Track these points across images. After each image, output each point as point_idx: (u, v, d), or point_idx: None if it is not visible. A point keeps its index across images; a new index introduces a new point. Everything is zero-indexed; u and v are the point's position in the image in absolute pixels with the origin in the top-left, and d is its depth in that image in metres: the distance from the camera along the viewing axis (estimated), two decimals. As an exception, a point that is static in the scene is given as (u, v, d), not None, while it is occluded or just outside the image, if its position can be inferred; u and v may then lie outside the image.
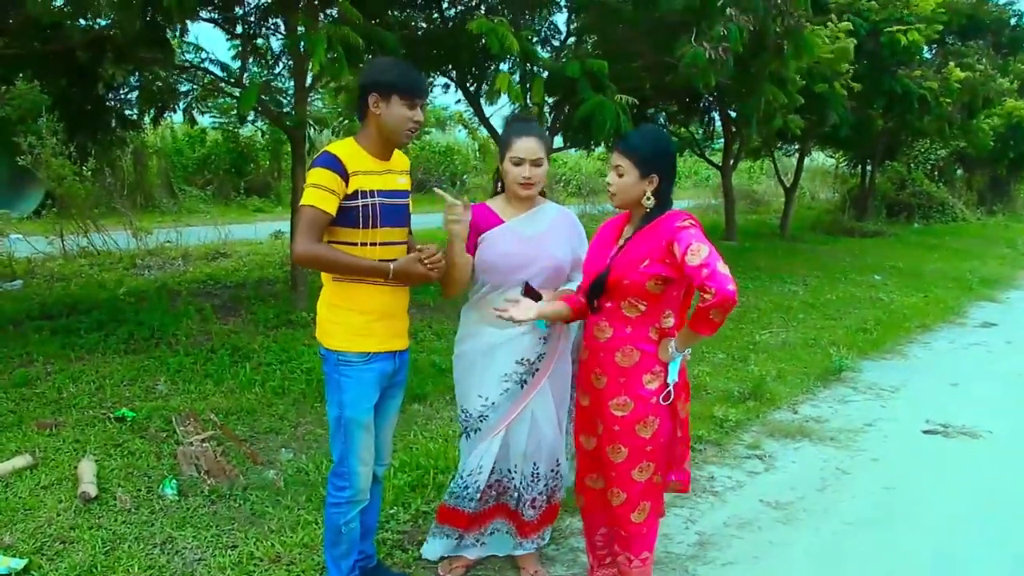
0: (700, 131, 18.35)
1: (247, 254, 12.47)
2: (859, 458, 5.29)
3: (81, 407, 5.51)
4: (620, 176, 2.95)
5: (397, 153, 3.11)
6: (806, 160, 20.45)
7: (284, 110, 8.37)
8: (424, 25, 9.88)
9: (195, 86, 9.71)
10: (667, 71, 9.31)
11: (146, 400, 5.68)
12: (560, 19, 11.06)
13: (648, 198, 2.93)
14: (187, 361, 6.50)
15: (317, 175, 2.84)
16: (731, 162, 16.69)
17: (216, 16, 9.46)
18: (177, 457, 4.75)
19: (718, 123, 16.68)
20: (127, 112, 9.58)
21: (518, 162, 3.26)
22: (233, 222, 15.54)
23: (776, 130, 13.63)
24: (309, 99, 9.38)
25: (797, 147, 19.59)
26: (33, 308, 8.01)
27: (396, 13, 9.38)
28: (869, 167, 22.28)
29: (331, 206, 2.84)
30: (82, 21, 8.34)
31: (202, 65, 9.17)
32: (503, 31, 7.32)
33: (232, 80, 9.15)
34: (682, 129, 17.87)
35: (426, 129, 27.70)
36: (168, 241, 12.32)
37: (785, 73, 9.67)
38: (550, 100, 9.59)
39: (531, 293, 3.18)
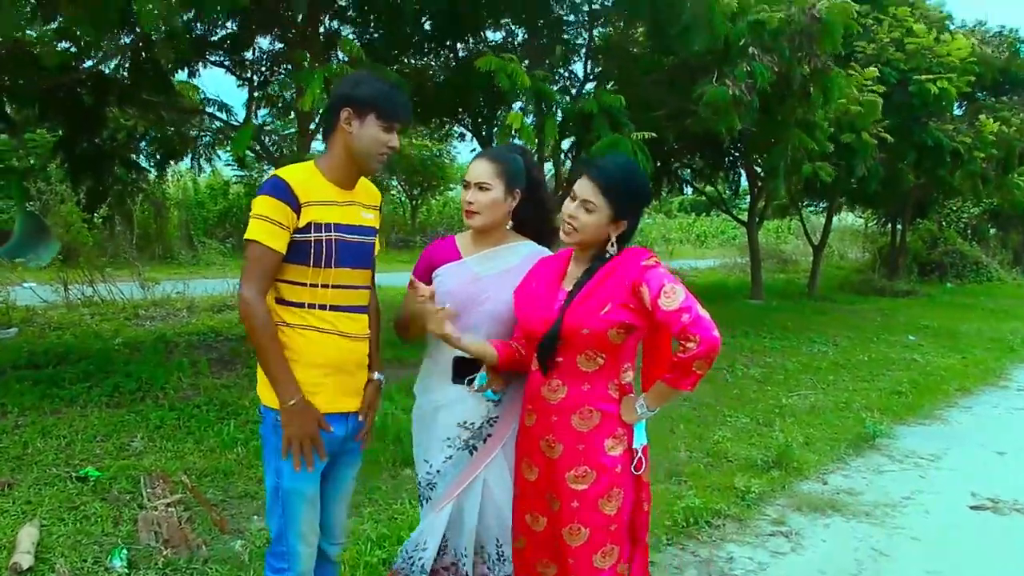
0: (727, 189, 18.03)
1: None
2: (898, 536, 4.71)
3: (44, 464, 5.09)
4: (588, 212, 2.53)
5: (365, 183, 2.70)
6: (835, 219, 19.98)
7: (285, 154, 8.04)
8: (434, 65, 9.62)
9: (202, 132, 9.50)
10: (688, 117, 8.94)
11: (117, 458, 5.26)
12: (578, 67, 10.76)
13: (612, 244, 2.57)
14: (170, 416, 6.09)
15: (262, 205, 2.43)
16: (757, 218, 16.23)
17: (225, 60, 9.30)
18: (137, 523, 4.30)
19: (744, 181, 16.33)
20: (131, 157, 9.35)
21: (465, 185, 2.86)
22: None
23: (803, 183, 13.22)
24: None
25: (825, 205, 19.12)
26: (21, 357, 7.69)
27: (407, 59, 9.12)
28: (900, 225, 21.70)
29: (280, 242, 2.44)
30: (88, 62, 8.20)
31: (208, 110, 8.96)
32: (513, 68, 6.99)
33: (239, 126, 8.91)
34: (708, 187, 17.55)
35: (449, 185, 27.62)
36: (178, 292, 12.03)
37: (812, 118, 9.26)
38: (566, 143, 9.24)
39: (465, 366, 2.74)
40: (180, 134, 9.32)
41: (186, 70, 8.75)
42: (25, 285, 11.50)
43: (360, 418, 2.68)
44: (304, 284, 2.51)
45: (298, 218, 2.44)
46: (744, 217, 16.86)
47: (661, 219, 37.92)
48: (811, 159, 10.20)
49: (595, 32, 10.81)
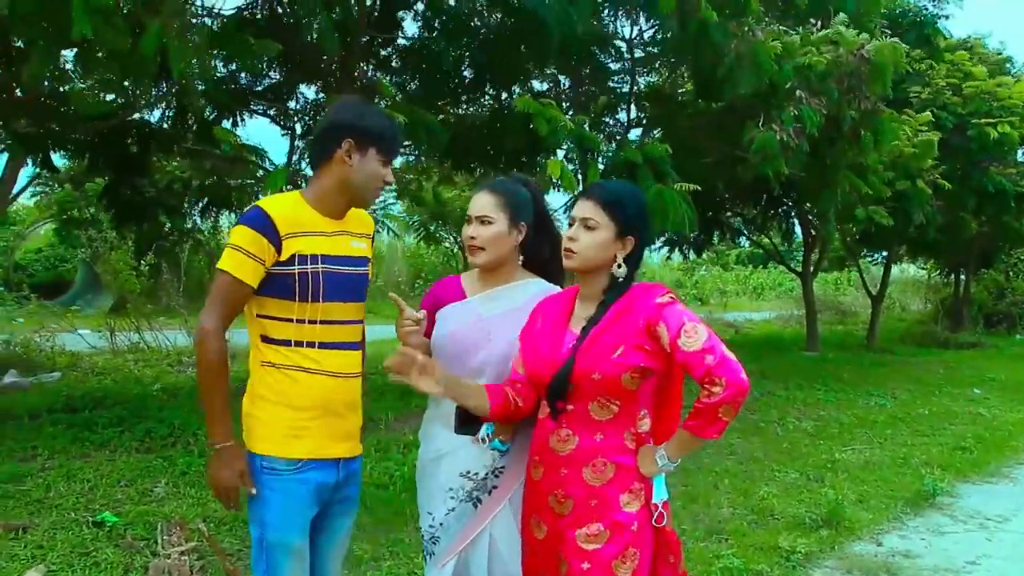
0: (781, 239, 17.66)
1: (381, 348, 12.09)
2: (960, 605, 4.34)
3: (63, 508, 5.00)
4: (590, 230, 2.34)
5: (356, 211, 2.56)
6: (896, 270, 19.42)
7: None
8: (473, 112, 9.57)
9: (246, 181, 9.55)
10: (736, 164, 8.72)
11: (138, 503, 5.15)
12: (622, 114, 10.64)
13: (619, 265, 2.35)
14: (197, 463, 5.97)
15: (238, 235, 2.32)
16: (812, 269, 15.84)
17: (270, 110, 9.37)
18: (148, 571, 4.15)
19: (798, 231, 15.96)
20: (175, 204, 9.45)
21: (467, 220, 2.67)
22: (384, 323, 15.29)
23: (860, 232, 12.82)
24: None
25: (884, 255, 18.60)
26: (59, 401, 7.70)
27: (447, 107, 9.08)
28: (963, 275, 20.99)
29: (251, 276, 2.31)
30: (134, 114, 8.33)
31: (251, 158, 9.00)
32: (552, 113, 6.85)
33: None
34: (764, 239, 17.21)
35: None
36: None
37: (864, 161, 8.95)
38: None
39: (469, 414, 2.49)
40: (223, 182, 9.39)
41: (230, 119, 8.82)
42: (78, 332, 11.69)
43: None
44: (290, 320, 2.36)
45: (279, 251, 2.32)
46: (800, 268, 16.48)
47: (717, 271, 37.43)
48: (864, 204, 9.86)
49: (640, 80, 10.72)
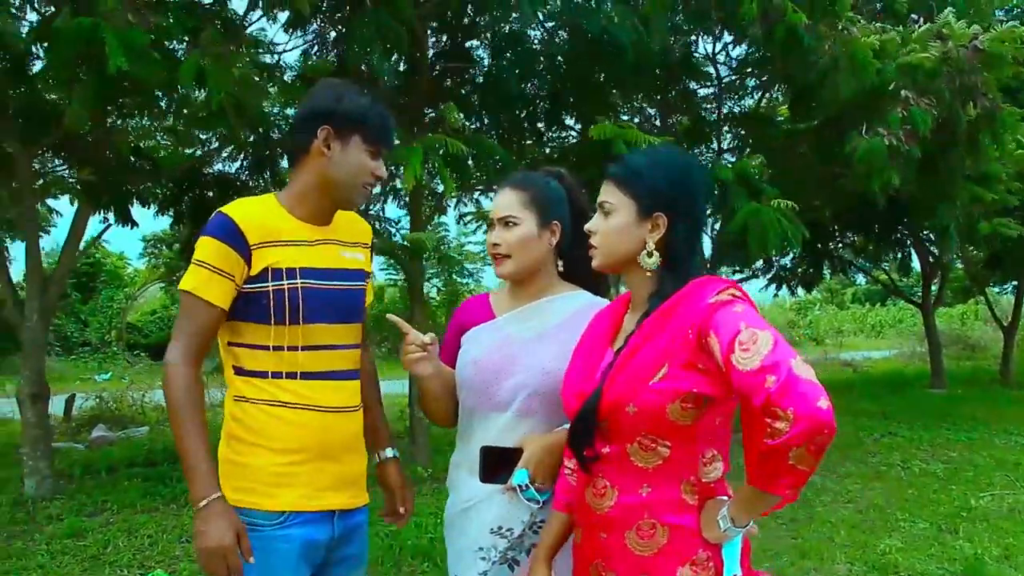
0: (898, 272, 16.54)
1: (388, 406, 11.86)
2: None
3: (118, 564, 4.84)
4: (606, 215, 1.81)
5: (349, 216, 2.15)
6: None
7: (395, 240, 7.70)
8: (551, 142, 9.20)
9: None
10: (840, 182, 8.05)
11: (194, 561, 4.84)
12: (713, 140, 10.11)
13: (649, 254, 1.77)
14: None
15: (202, 248, 1.93)
16: (933, 300, 14.74)
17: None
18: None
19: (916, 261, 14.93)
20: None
21: (490, 225, 2.21)
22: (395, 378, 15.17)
23: (986, 257, 11.75)
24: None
25: (1015, 284, 17.19)
26: (140, 454, 7.68)
27: (521, 141, 8.74)
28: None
29: (219, 295, 1.91)
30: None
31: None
32: (634, 135, 6.38)
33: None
34: (878, 272, 16.17)
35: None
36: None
37: (984, 167, 8.10)
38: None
39: (495, 457, 2.03)
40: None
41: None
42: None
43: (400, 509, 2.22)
44: (266, 347, 1.95)
45: (249, 264, 1.91)
46: (919, 300, 15.39)
47: (832, 310, 35.84)
48: (988, 216, 8.93)
49: (732, 104, 10.17)
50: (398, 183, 7.25)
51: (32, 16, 5.24)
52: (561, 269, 2.23)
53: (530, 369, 2.08)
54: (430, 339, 2.08)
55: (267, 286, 1.92)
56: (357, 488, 2.11)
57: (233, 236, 1.90)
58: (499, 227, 2.15)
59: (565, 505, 1.91)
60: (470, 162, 7.22)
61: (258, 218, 1.95)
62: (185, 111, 6.23)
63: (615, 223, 1.79)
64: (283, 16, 7.44)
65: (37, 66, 5.75)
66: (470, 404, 2.17)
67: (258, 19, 6.86)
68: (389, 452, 2.23)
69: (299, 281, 1.95)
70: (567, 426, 1.96)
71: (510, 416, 2.09)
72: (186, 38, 5.03)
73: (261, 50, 5.73)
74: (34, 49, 5.35)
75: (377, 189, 8.87)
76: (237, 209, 1.95)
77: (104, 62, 4.16)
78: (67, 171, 7.46)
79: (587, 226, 1.85)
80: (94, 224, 7.88)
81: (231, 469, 1.97)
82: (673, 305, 1.69)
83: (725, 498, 1.70)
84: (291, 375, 1.96)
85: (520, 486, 2.00)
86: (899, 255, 14.99)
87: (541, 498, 2.03)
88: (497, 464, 2.02)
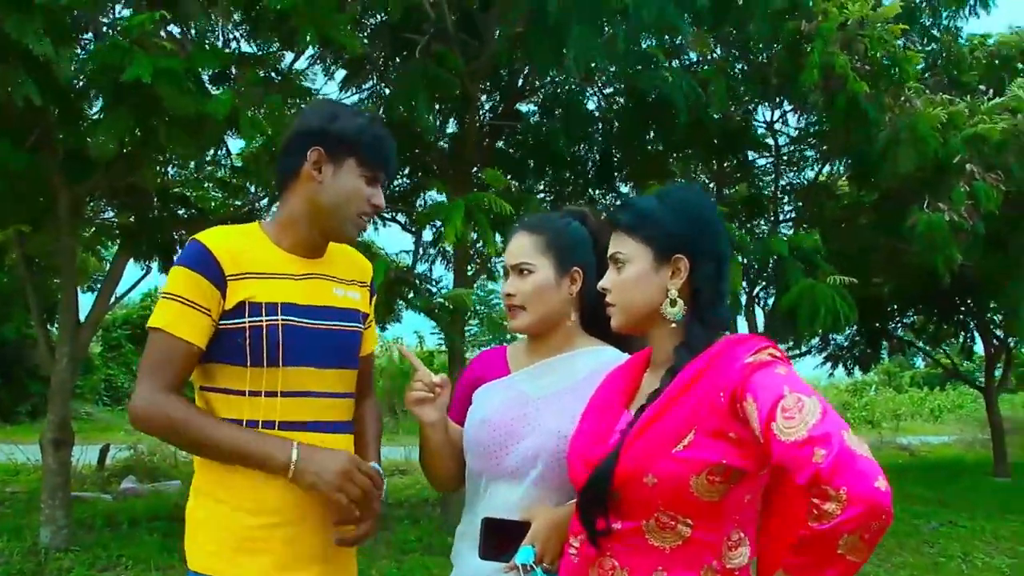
0: (960, 355, 15.98)
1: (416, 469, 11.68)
2: None
3: (121, 626, 4.54)
4: (620, 268, 1.58)
5: (345, 251, 1.94)
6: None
7: (436, 299, 7.53)
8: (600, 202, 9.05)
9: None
10: (901, 258, 7.75)
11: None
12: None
13: (672, 302, 1.54)
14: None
15: (175, 279, 1.73)
16: (995, 383, 14.11)
17: (397, 215, 9.16)
18: None
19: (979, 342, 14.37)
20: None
21: (504, 274, 1.98)
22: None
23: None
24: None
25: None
26: (165, 509, 7.47)
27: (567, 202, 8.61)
28: None
29: (193, 331, 1.69)
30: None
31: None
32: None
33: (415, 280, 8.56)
34: (938, 353, 15.59)
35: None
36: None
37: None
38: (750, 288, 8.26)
39: (498, 531, 1.77)
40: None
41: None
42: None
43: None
44: (241, 392, 1.72)
45: (224, 298, 1.71)
46: (982, 383, 14.78)
47: (890, 393, 34.73)
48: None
49: (790, 175, 9.96)
50: (445, 242, 7.14)
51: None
52: (579, 320, 1.98)
53: (544, 433, 1.83)
54: (440, 380, 1.84)
55: (243, 322, 1.70)
56: (341, 561, 1.84)
57: (207, 266, 1.69)
58: (513, 275, 1.92)
59: None
60: (516, 224, 7.11)
61: (236, 246, 1.74)
62: (230, 161, 6.19)
63: (630, 274, 1.56)
64: (340, 73, 7.60)
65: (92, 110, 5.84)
66: (477, 468, 1.92)
67: (308, 67, 6.91)
68: (373, 464, 1.88)
69: (279, 318, 1.72)
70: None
71: (519, 484, 1.84)
72: (228, 81, 5.01)
73: (304, 98, 5.69)
74: (84, 91, 5.37)
75: (422, 248, 8.84)
76: (213, 236, 1.75)
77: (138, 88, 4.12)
78: (114, 218, 7.49)
79: (600, 284, 1.63)
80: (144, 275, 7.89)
81: (196, 528, 1.75)
82: (703, 364, 1.46)
83: None
84: (268, 424, 1.72)
85: (524, 566, 1.74)
86: (962, 336, 14.47)
87: None
88: (501, 539, 1.76)
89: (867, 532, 1.23)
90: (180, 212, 7.56)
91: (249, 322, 1.70)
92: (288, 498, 1.71)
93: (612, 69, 7.06)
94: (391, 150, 1.85)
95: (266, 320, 1.71)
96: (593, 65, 6.34)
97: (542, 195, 8.22)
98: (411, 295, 7.72)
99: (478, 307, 7.85)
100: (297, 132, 1.83)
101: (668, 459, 1.41)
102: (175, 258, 1.79)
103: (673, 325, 1.55)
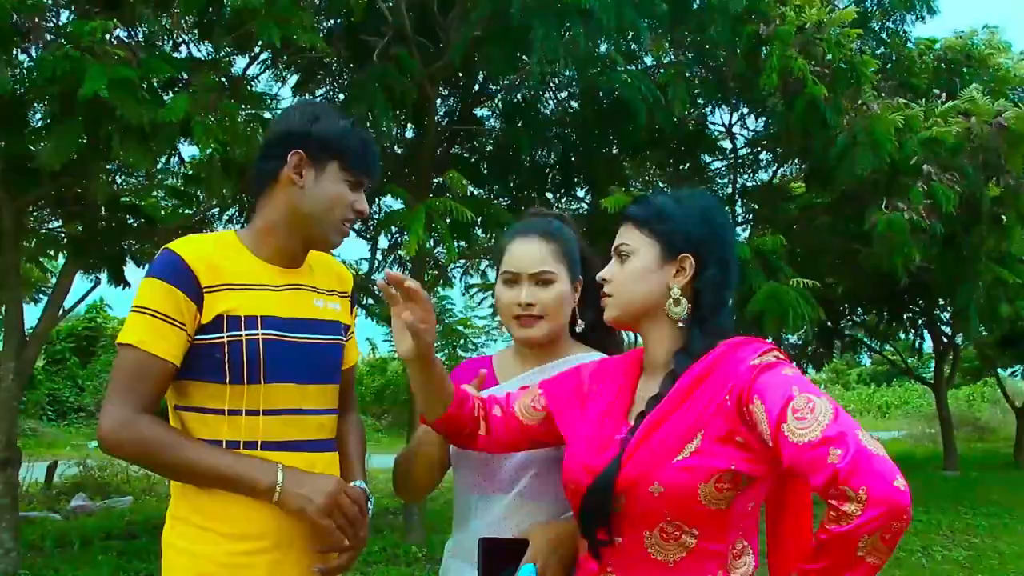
0: (911, 352, 16.33)
1: (385, 480, 11.48)
2: None
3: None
4: (624, 260, 1.53)
5: (324, 259, 1.85)
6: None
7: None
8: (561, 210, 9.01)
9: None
10: (857, 259, 7.84)
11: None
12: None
13: (676, 301, 1.49)
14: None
15: (146, 292, 1.62)
16: (944, 378, 14.45)
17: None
18: None
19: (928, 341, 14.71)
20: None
21: (510, 281, 1.85)
22: (394, 451, 14.82)
23: (1001, 337, 11.47)
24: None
25: (1024, 366, 16.98)
26: (118, 527, 7.29)
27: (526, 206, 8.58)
28: None
29: (167, 347, 1.59)
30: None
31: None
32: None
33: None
34: (887, 350, 15.86)
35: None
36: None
37: (1007, 247, 7.88)
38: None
39: (498, 553, 1.69)
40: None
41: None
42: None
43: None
44: (220, 412, 1.62)
45: (200, 311, 1.61)
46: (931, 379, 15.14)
47: (838, 391, 35.42)
48: (1010, 298, 8.67)
49: (746, 178, 10.04)
50: (401, 252, 7.05)
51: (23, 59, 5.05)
52: (580, 329, 1.91)
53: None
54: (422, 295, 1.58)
55: (221, 337, 1.60)
56: None
57: (181, 277, 1.59)
58: (530, 284, 1.81)
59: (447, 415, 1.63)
60: (477, 229, 7.02)
61: (212, 256, 1.64)
62: (182, 170, 6.02)
63: (634, 267, 1.51)
64: (293, 78, 7.45)
65: (34, 119, 5.62)
66: (468, 483, 1.84)
67: (261, 72, 6.76)
68: (358, 483, 1.80)
69: (260, 332, 1.63)
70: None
71: (512, 498, 1.77)
72: (179, 87, 4.85)
73: (261, 105, 5.54)
74: (26, 98, 5.17)
75: (380, 256, 8.71)
76: (187, 246, 1.64)
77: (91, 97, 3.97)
78: (61, 229, 7.25)
79: (600, 274, 1.57)
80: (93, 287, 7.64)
81: (175, 557, 1.65)
82: (706, 367, 1.42)
83: None
84: (250, 445, 1.63)
85: None
86: (912, 334, 14.77)
87: None
88: (497, 558, 1.69)
89: (888, 532, 1.20)
90: (129, 221, 7.36)
91: (228, 336, 1.61)
92: (273, 523, 1.62)
93: (572, 72, 7.03)
94: (375, 155, 1.77)
95: (246, 334, 1.62)
96: (553, 68, 6.30)
97: (499, 200, 8.13)
98: (370, 303, 7.63)
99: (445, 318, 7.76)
100: (276, 134, 1.74)
101: (674, 467, 1.36)
102: (147, 269, 1.66)
103: (680, 325, 1.51)
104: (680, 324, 1.50)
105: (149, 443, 1.57)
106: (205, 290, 1.61)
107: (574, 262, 1.86)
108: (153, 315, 1.58)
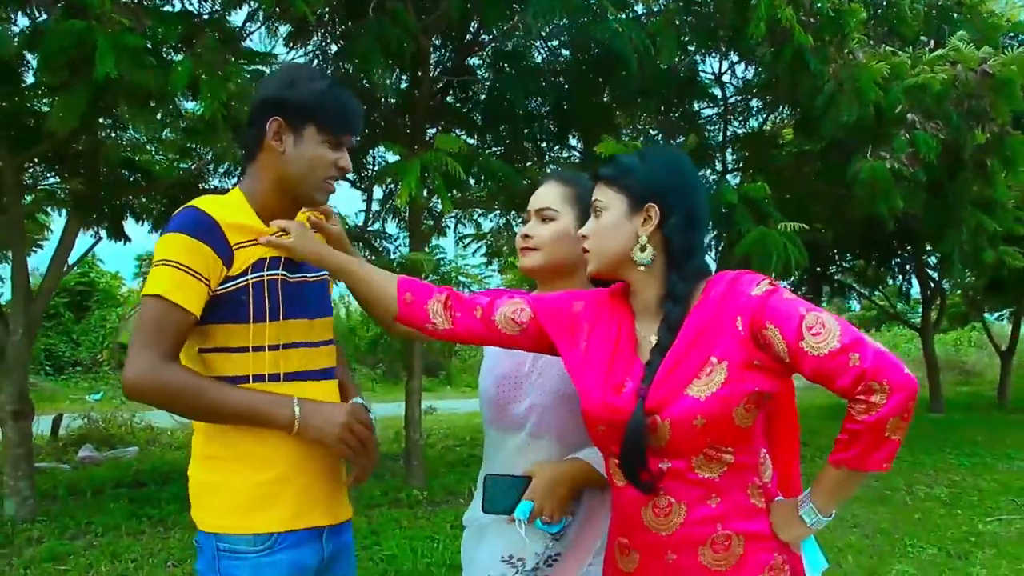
0: (898, 297, 16.49)
1: (384, 428, 11.67)
2: None
3: (99, 591, 4.57)
4: (597, 216, 1.70)
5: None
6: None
7: (392, 257, 7.54)
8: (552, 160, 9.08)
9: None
10: (844, 205, 7.95)
11: (181, 585, 4.67)
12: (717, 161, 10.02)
13: (643, 248, 1.65)
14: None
15: (173, 246, 1.69)
16: (931, 323, 14.63)
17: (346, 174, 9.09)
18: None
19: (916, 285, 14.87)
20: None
21: (525, 219, 2.05)
22: (389, 400, 15.01)
23: (987, 282, 11.64)
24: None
25: (1011, 310, 17.12)
26: (127, 476, 7.46)
27: (521, 158, 8.63)
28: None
29: (194, 301, 1.68)
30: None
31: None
32: (638, 148, 6.28)
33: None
34: (876, 295, 16.01)
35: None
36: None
37: (991, 194, 7.99)
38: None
39: (501, 487, 1.87)
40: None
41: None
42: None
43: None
44: (244, 349, 1.74)
45: (229, 266, 1.72)
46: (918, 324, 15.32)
47: (827, 335, 35.71)
48: (994, 244, 8.80)
49: (736, 125, 10.09)
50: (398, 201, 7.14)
51: (23, 21, 5.06)
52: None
53: (551, 378, 1.93)
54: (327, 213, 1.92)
55: (246, 279, 1.73)
56: (342, 501, 1.91)
57: (214, 236, 1.69)
58: (534, 219, 1.99)
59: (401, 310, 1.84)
60: (471, 180, 7.10)
61: (236, 216, 1.76)
62: (182, 124, 6.06)
63: (606, 221, 1.68)
64: (284, 30, 7.44)
65: (28, 76, 5.64)
66: (488, 418, 2.02)
67: (257, 29, 6.77)
68: (358, 399, 1.92)
69: (279, 272, 1.77)
70: (579, 454, 1.85)
71: (524, 437, 1.93)
72: (182, 46, 4.88)
73: (259, 62, 5.57)
74: (26, 58, 5.21)
75: (376, 206, 8.78)
76: (214, 205, 1.74)
77: (94, 66, 4.01)
78: (59, 184, 7.31)
79: (580, 231, 1.74)
80: (88, 240, 7.70)
81: (205, 491, 1.78)
82: (711, 304, 1.59)
83: (783, 498, 1.66)
84: (274, 377, 1.76)
85: (522, 520, 1.84)
86: (900, 280, 14.94)
87: (553, 530, 1.86)
88: (500, 492, 1.86)
89: (907, 412, 1.44)
90: (127, 176, 7.42)
91: (252, 278, 1.73)
92: (295, 452, 1.77)
93: (564, 22, 7.05)
94: (355, 112, 1.86)
95: (267, 275, 1.75)
96: (545, 18, 6.34)
97: (493, 151, 8.20)
98: (366, 255, 7.73)
99: (439, 268, 7.86)
100: (256, 102, 1.83)
101: (712, 400, 1.53)
102: (170, 224, 1.74)
103: (642, 269, 1.66)
104: (641, 268, 1.65)
105: (180, 389, 1.66)
106: (235, 247, 1.73)
107: (588, 209, 1.99)
108: (178, 267, 1.67)
